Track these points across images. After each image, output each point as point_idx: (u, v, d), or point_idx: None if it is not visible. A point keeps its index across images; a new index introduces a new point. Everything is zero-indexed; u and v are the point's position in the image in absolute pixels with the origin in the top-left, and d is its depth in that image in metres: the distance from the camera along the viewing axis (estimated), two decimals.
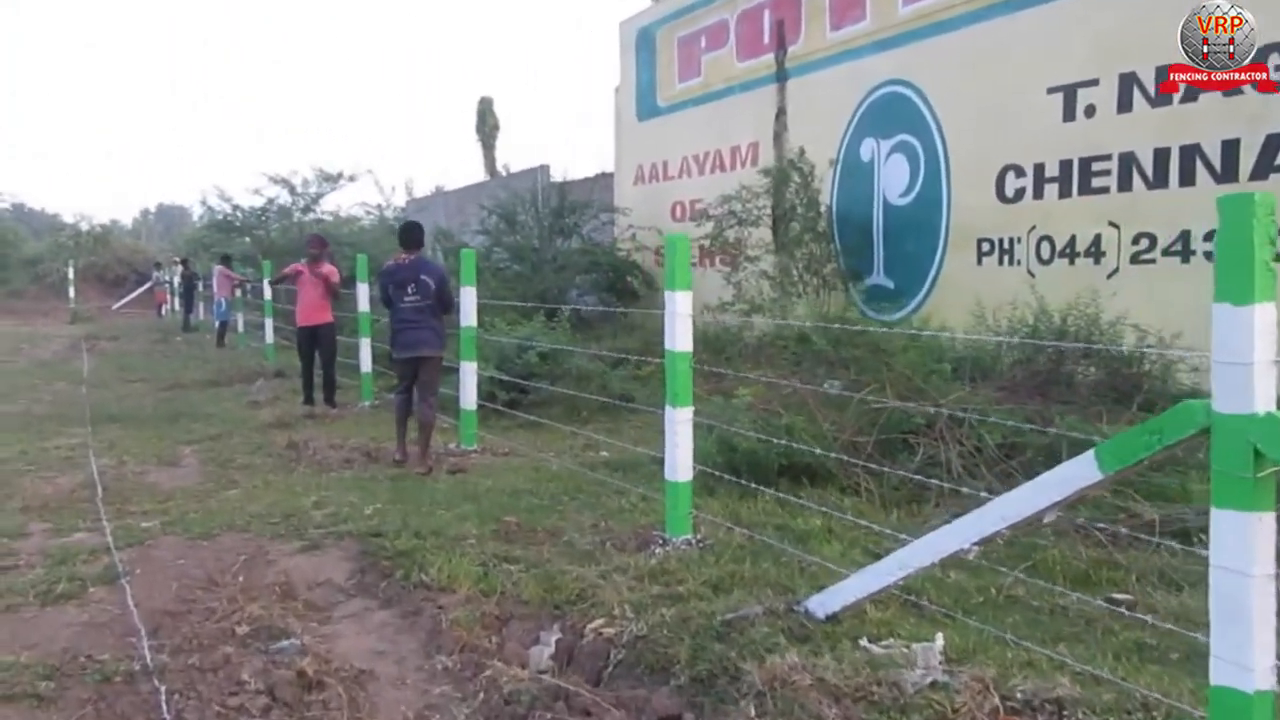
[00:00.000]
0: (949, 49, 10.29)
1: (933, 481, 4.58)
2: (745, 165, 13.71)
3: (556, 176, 18.10)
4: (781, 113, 12.95)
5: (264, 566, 4.57)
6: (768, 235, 12.31)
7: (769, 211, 12.20)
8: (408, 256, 7.38)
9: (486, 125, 28.51)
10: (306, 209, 19.67)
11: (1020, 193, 9.53)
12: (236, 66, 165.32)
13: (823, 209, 11.75)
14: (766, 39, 13.25)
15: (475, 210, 19.80)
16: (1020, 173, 9.51)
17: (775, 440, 5.18)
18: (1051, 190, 9.18)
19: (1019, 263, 9.56)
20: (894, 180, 11.19)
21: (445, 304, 7.35)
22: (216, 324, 19.16)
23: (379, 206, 23.23)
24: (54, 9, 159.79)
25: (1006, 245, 9.70)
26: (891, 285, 11.16)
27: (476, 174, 28.30)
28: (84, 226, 40.09)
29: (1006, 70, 9.61)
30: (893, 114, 11.11)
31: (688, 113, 15.22)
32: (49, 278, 34.52)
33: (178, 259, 27.29)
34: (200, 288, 22.61)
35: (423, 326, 7.22)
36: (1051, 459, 5.30)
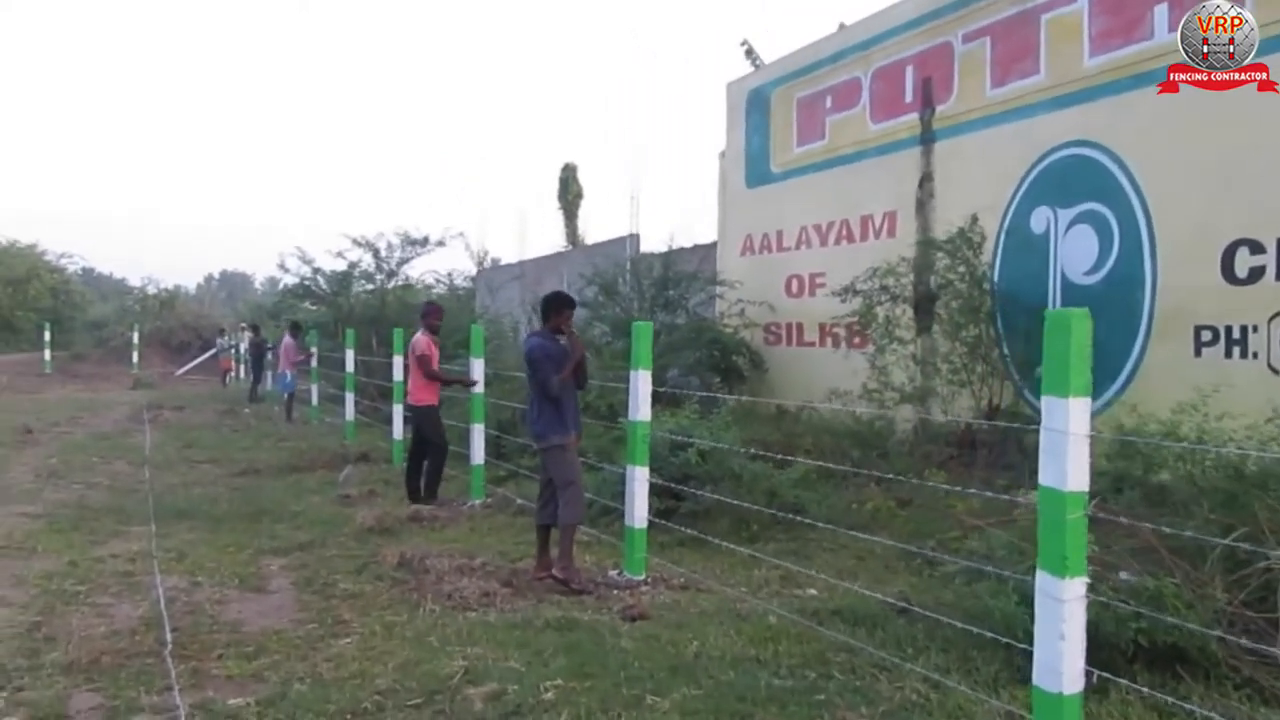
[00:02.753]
0: (1154, 105, 8.82)
1: None
2: (881, 236, 12.28)
3: (651, 246, 16.87)
4: (927, 179, 11.57)
5: None
6: (911, 314, 10.89)
7: (912, 288, 10.80)
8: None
9: (569, 193, 27.58)
10: (390, 275, 18.62)
11: (1257, 272, 7.96)
12: (295, 137, 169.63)
13: (986, 286, 10.27)
14: (909, 98, 11.92)
15: (556, 280, 18.62)
16: (1258, 249, 7.94)
17: (1127, 605, 3.60)
18: None
19: (1255, 355, 7.94)
20: (1077, 255, 9.66)
21: (539, 386, 6.25)
22: (285, 396, 18.12)
23: (449, 274, 22.48)
24: (126, 86, 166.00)
25: (1237, 335, 8.09)
26: None
27: (555, 243, 27.36)
28: (150, 290, 39.89)
29: (1238, 129, 8.11)
30: (1075, 180, 9.64)
31: (808, 179, 13.88)
32: (113, 341, 34.05)
33: (245, 325, 26.52)
34: (269, 356, 21.71)
35: (532, 409, 6.41)
36: None
